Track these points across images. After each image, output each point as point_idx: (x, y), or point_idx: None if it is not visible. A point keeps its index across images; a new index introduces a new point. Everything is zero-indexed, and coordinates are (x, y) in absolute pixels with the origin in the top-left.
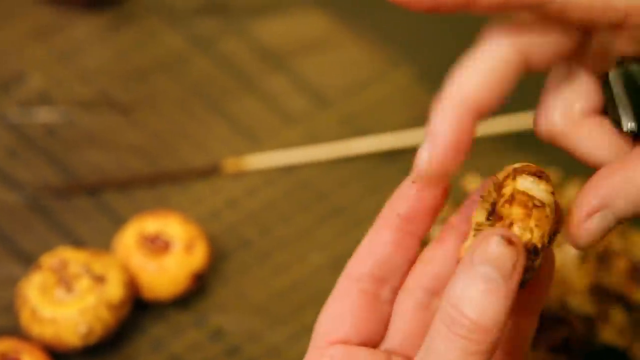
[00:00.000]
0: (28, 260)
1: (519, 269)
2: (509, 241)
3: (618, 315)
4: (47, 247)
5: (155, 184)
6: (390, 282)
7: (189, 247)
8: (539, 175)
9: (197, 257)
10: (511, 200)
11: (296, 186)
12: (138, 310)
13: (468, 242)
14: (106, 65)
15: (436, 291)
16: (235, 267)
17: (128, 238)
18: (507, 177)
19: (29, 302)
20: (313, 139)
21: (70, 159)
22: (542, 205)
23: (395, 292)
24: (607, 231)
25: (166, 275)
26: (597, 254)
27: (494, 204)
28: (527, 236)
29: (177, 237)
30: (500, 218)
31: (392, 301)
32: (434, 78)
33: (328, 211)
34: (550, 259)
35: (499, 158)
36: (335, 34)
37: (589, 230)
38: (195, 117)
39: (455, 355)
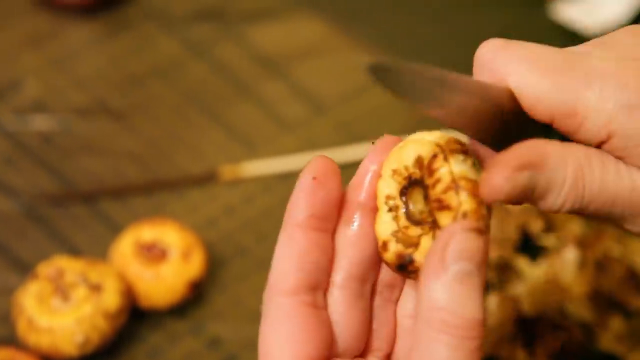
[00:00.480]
0: (24, 269)
1: (486, 256)
2: (479, 231)
3: (616, 322)
4: (44, 256)
5: (152, 192)
6: (322, 286)
7: (185, 255)
8: (466, 151)
9: (194, 265)
10: (456, 187)
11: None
12: (135, 318)
13: (383, 218)
14: (102, 72)
15: (363, 276)
16: (233, 274)
17: (124, 246)
18: (434, 156)
19: (26, 311)
20: (309, 145)
21: (66, 166)
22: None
23: (325, 294)
24: (526, 194)
25: (163, 283)
26: (596, 260)
27: (414, 181)
28: (481, 225)
29: (173, 245)
30: (448, 207)
31: (326, 305)
32: None
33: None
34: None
35: None
36: (331, 40)
37: (516, 185)
38: (191, 124)
39: (461, 356)
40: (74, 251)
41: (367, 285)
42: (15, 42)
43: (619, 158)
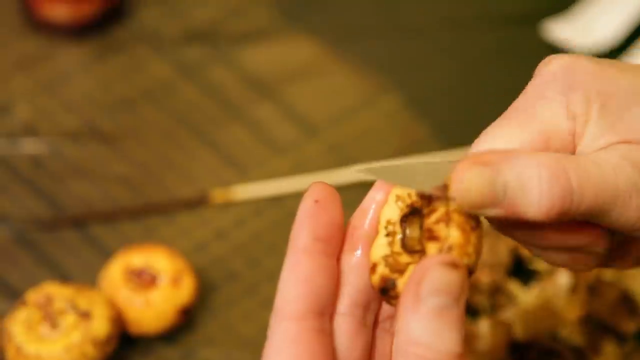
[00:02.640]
0: (13, 295)
1: (466, 289)
2: (454, 265)
3: (609, 347)
4: (33, 281)
5: (142, 216)
6: (328, 312)
7: (175, 281)
8: None
9: (184, 291)
10: (447, 220)
11: (284, 216)
12: (125, 345)
13: (380, 241)
14: (92, 95)
15: (367, 304)
16: (223, 300)
17: (114, 272)
18: (438, 187)
19: (14, 338)
20: (301, 168)
21: (56, 190)
22: (478, 225)
23: (331, 320)
24: (486, 192)
25: (153, 309)
26: (588, 284)
27: (414, 209)
28: (465, 261)
29: (163, 271)
30: (436, 238)
31: (331, 331)
32: (422, 105)
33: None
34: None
35: None
36: (322, 62)
37: (470, 180)
38: (182, 147)
39: None
40: (64, 276)
41: (370, 314)
42: (5, 65)
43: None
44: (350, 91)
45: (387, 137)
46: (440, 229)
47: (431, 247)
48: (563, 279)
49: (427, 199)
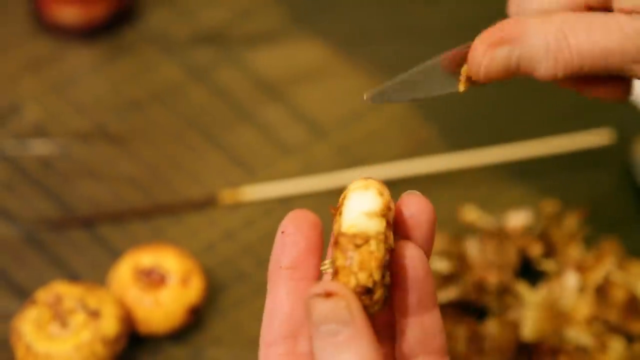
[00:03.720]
0: (23, 295)
1: (355, 308)
2: (328, 294)
3: (617, 347)
4: (42, 281)
5: (151, 216)
6: (304, 332)
7: (184, 281)
8: (366, 197)
9: (193, 291)
10: (336, 243)
11: None
12: (134, 344)
13: (325, 263)
14: (101, 96)
15: None
16: (232, 300)
17: (123, 272)
18: (339, 207)
19: (24, 337)
20: (309, 169)
21: (65, 191)
22: (366, 241)
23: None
24: (509, 68)
25: (162, 309)
26: (596, 285)
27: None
28: (353, 281)
29: (172, 271)
30: (333, 261)
31: (310, 350)
32: (429, 107)
33: (325, 242)
34: (416, 258)
35: (495, 188)
36: (331, 64)
37: (493, 60)
38: (190, 148)
39: None
40: (73, 276)
41: None
42: (15, 66)
43: (608, 7)
44: (359, 93)
45: (395, 139)
46: (333, 253)
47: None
48: (571, 279)
49: (334, 219)
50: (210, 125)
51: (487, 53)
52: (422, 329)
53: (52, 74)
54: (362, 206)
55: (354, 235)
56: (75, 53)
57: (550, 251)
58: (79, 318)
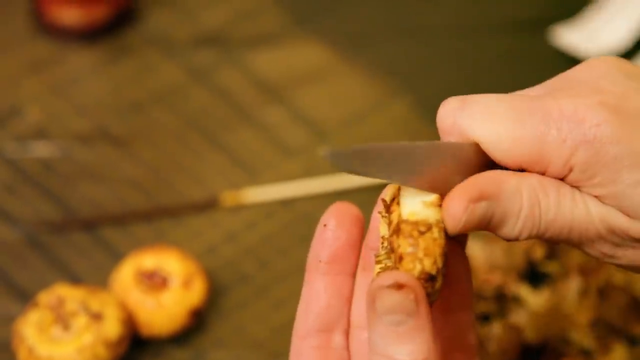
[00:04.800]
0: (25, 297)
1: (421, 299)
2: (399, 286)
3: (619, 350)
4: (44, 284)
5: (153, 218)
6: (339, 327)
7: (186, 283)
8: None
9: (195, 293)
10: (397, 231)
11: (294, 219)
12: (136, 347)
13: (380, 257)
14: (102, 98)
15: None
16: (234, 302)
17: (125, 274)
18: (393, 199)
19: (26, 340)
20: (311, 171)
21: (67, 193)
22: (429, 228)
23: (346, 334)
24: (483, 223)
25: (164, 311)
26: (598, 288)
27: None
28: (418, 268)
29: (174, 273)
30: (392, 250)
31: (347, 345)
32: (431, 109)
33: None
34: (460, 255)
35: None
36: (332, 66)
37: (472, 215)
38: (192, 150)
39: None
40: (75, 279)
41: None
42: (16, 68)
43: (575, 187)
44: (360, 95)
45: (396, 141)
46: (394, 241)
47: (393, 259)
48: (573, 282)
49: (388, 211)
50: (211, 127)
51: (468, 208)
52: (458, 327)
53: (53, 75)
54: (419, 196)
55: (417, 223)
56: (76, 55)
57: (552, 253)
58: (81, 321)
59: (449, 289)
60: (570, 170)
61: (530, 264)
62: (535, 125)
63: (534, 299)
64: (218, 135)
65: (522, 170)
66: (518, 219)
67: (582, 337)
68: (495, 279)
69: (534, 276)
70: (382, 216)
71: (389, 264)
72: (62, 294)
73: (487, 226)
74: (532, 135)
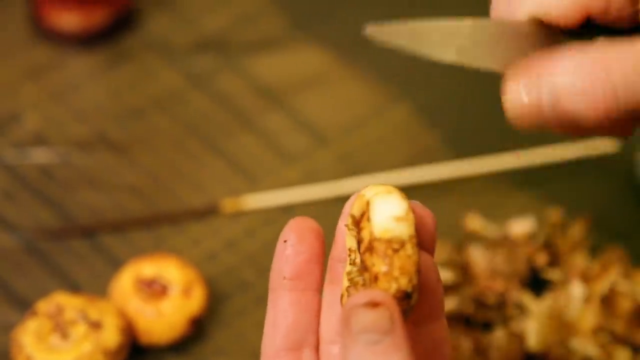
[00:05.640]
0: (23, 305)
1: (397, 317)
2: (374, 304)
3: (622, 358)
4: (43, 292)
5: (152, 225)
6: (308, 344)
7: (186, 291)
8: (392, 201)
9: (195, 301)
10: (371, 249)
11: None
12: (135, 355)
13: (346, 270)
14: (101, 104)
15: None
16: (234, 310)
17: (124, 282)
18: (362, 215)
19: (25, 349)
20: (311, 177)
21: (66, 200)
22: (402, 245)
23: (316, 349)
24: (550, 104)
25: (164, 320)
26: (602, 295)
27: (357, 236)
28: (394, 287)
29: (174, 281)
30: (366, 268)
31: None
32: (431, 114)
33: (328, 251)
34: (430, 265)
35: (499, 196)
36: (333, 71)
37: (536, 94)
38: (192, 156)
39: None
40: (74, 286)
41: None
42: (15, 74)
43: None
44: (360, 100)
45: (397, 146)
46: (367, 259)
47: (366, 278)
48: (576, 289)
49: (358, 227)
50: (211, 133)
51: (528, 86)
52: (431, 338)
53: (51, 81)
54: (390, 211)
55: (390, 240)
56: (74, 60)
57: (554, 260)
58: (80, 329)
59: (420, 300)
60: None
61: (532, 271)
62: None
63: (537, 307)
64: (218, 141)
65: (586, 24)
66: (595, 92)
67: (585, 345)
68: (497, 286)
69: (536, 283)
70: (349, 229)
71: (358, 279)
72: (61, 302)
73: (557, 109)
74: None
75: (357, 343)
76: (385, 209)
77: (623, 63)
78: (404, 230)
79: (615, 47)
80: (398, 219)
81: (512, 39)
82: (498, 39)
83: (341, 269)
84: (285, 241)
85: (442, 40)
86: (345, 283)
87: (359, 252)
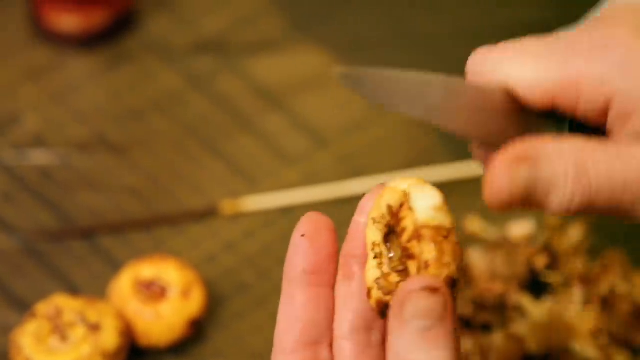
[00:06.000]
0: (22, 307)
1: (449, 304)
2: (433, 290)
3: (622, 359)
4: (42, 293)
5: (152, 227)
6: (325, 339)
7: (185, 293)
8: (429, 192)
9: (194, 303)
10: (418, 236)
11: (294, 228)
12: (134, 357)
13: (370, 264)
14: (101, 106)
15: (369, 326)
16: (233, 312)
17: (123, 284)
18: (401, 205)
19: (23, 351)
20: (311, 179)
21: (65, 202)
22: (450, 232)
23: (331, 345)
24: (528, 191)
25: (162, 322)
26: (601, 297)
27: (391, 228)
28: (444, 273)
29: (173, 283)
30: (412, 256)
31: (331, 358)
32: None
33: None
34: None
35: None
36: (332, 73)
37: (516, 180)
38: (191, 158)
39: None
40: (73, 288)
41: (376, 332)
42: (14, 76)
43: (615, 133)
44: (360, 102)
45: (397, 148)
46: (414, 246)
47: (412, 265)
48: (576, 292)
49: (396, 217)
50: (210, 135)
51: (511, 173)
52: None
53: (51, 82)
54: (431, 200)
55: (438, 227)
56: (74, 61)
57: (554, 263)
58: (79, 331)
59: None
60: (610, 101)
61: (532, 274)
62: (564, 52)
63: (536, 309)
64: (217, 143)
65: (553, 109)
66: (566, 183)
67: (585, 348)
68: (497, 288)
69: (535, 286)
70: (376, 222)
71: (387, 270)
72: (60, 304)
73: (534, 197)
74: (560, 62)
75: (407, 329)
76: (426, 198)
77: (598, 166)
78: (447, 218)
79: (590, 148)
80: (439, 208)
81: (483, 105)
82: (468, 103)
83: (355, 265)
84: (303, 235)
85: (412, 95)
86: (373, 275)
87: (398, 242)
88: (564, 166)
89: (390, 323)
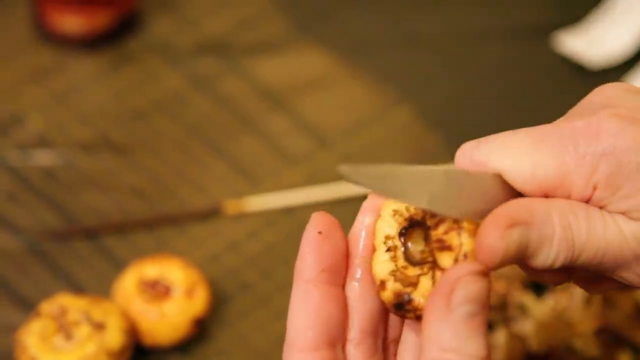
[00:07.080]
0: (27, 306)
1: (489, 294)
2: (483, 274)
3: (624, 358)
4: (46, 293)
5: (155, 227)
6: (340, 340)
7: (189, 292)
8: None
9: (198, 303)
10: (458, 228)
11: (297, 228)
12: (138, 356)
13: (381, 257)
14: (105, 106)
15: (375, 330)
16: (236, 311)
17: (128, 283)
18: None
19: (28, 350)
20: (313, 179)
21: (69, 202)
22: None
23: (344, 349)
24: (520, 251)
25: (167, 321)
26: (603, 296)
27: (414, 222)
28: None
29: (177, 282)
30: (449, 248)
31: (345, 358)
32: (433, 116)
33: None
34: None
35: None
36: (335, 73)
37: (510, 243)
38: (195, 158)
39: None
40: (77, 288)
41: (379, 339)
42: (18, 77)
43: (602, 207)
44: (363, 103)
45: (399, 149)
46: (452, 238)
47: (445, 257)
48: (578, 290)
49: (429, 212)
50: (213, 135)
51: (504, 237)
52: None
53: (55, 83)
54: None
55: (477, 224)
56: (78, 63)
57: None
58: (83, 330)
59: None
60: (595, 188)
61: None
62: (552, 147)
63: (538, 308)
64: (220, 144)
65: (547, 196)
66: (552, 244)
67: (587, 346)
68: (499, 287)
69: (538, 285)
70: (397, 214)
71: (403, 263)
72: (65, 303)
73: (523, 256)
74: (550, 157)
75: (453, 317)
76: None
77: (580, 227)
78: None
79: (575, 210)
80: None
81: (482, 192)
82: (469, 191)
83: (362, 266)
84: (320, 232)
85: (415, 187)
86: (387, 268)
87: (429, 232)
88: (551, 228)
89: (429, 313)
